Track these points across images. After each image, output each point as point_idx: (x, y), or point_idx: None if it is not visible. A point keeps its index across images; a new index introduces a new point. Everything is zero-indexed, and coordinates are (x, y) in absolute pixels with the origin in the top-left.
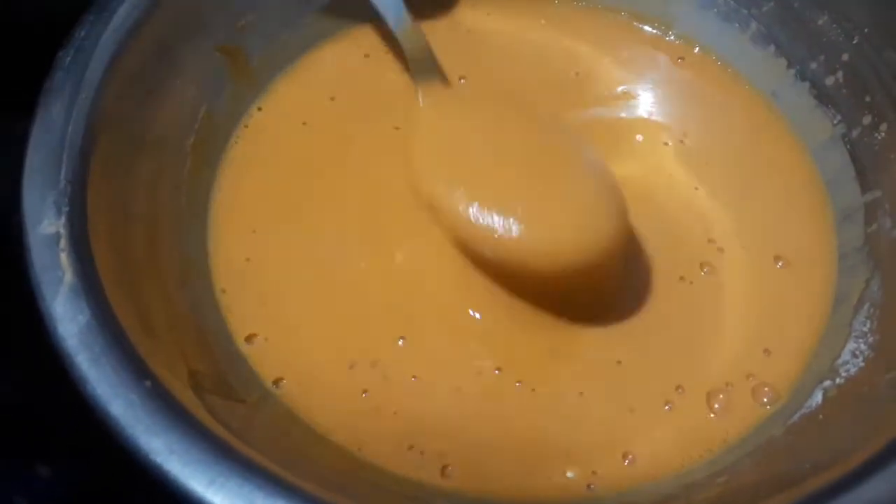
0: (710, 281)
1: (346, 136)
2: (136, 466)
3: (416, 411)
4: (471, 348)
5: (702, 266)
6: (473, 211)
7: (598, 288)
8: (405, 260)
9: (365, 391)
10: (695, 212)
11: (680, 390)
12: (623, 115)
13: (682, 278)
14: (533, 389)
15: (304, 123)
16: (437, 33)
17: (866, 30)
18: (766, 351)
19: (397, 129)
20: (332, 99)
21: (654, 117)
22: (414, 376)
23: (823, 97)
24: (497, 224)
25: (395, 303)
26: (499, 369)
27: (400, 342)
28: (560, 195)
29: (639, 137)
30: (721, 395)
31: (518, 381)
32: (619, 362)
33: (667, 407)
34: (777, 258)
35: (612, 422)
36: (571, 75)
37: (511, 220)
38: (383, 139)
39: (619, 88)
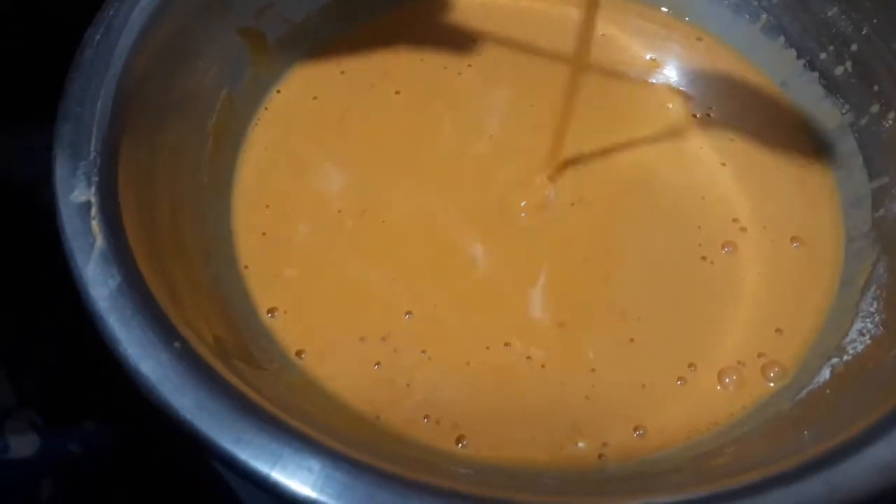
0: (730, 261)
1: (352, 107)
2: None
3: (428, 384)
4: (478, 323)
5: (724, 245)
6: None
7: None
8: (411, 232)
9: (377, 363)
10: (721, 188)
11: (692, 368)
12: (652, 80)
13: (703, 258)
14: (543, 366)
15: (314, 98)
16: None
17: (875, 20)
18: (779, 330)
19: (398, 93)
20: (343, 73)
21: (681, 88)
22: (423, 350)
23: (832, 87)
24: None
25: (402, 277)
26: (507, 344)
27: (407, 317)
28: None
29: (669, 105)
30: (733, 373)
31: (528, 356)
32: (631, 340)
33: (679, 383)
34: (794, 239)
35: (624, 397)
36: (598, 36)
37: None
38: (386, 105)
39: (647, 55)
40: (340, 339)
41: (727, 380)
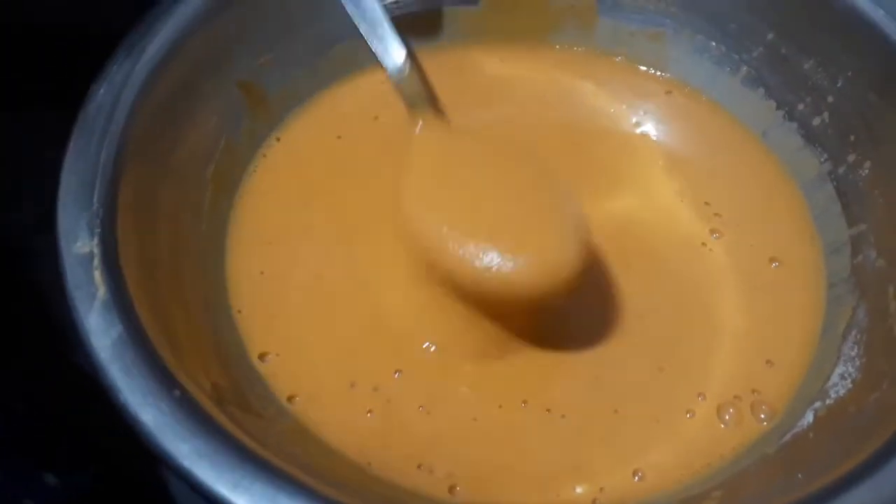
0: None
1: (351, 153)
2: (134, 476)
3: (422, 435)
4: (489, 385)
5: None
6: (463, 245)
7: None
8: (404, 277)
9: (369, 411)
10: (704, 227)
11: (701, 398)
12: (631, 135)
13: (704, 243)
14: (563, 416)
15: (314, 145)
16: (447, 76)
17: (849, 73)
18: (769, 362)
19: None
20: (343, 119)
21: (661, 141)
22: (421, 406)
23: (810, 137)
24: (486, 257)
25: (387, 335)
26: (525, 402)
27: (396, 375)
28: (539, 226)
29: (650, 158)
30: (730, 408)
31: (548, 409)
32: (661, 369)
33: (688, 416)
34: (773, 261)
35: (634, 434)
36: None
37: (498, 252)
38: (386, 173)
39: (625, 109)
40: (328, 384)
41: (726, 415)
